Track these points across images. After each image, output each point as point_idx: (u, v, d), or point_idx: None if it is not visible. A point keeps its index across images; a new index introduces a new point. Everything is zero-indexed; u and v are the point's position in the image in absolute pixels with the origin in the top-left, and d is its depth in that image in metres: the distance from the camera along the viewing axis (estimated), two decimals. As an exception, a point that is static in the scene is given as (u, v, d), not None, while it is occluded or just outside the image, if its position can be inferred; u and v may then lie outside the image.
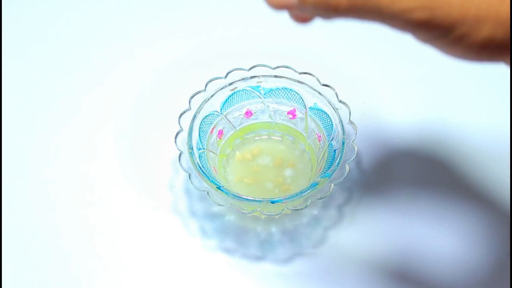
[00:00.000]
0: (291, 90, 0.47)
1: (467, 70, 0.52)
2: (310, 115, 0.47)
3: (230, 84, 0.46)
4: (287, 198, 0.41)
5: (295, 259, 0.45)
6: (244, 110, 0.48)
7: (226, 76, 0.46)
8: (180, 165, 0.43)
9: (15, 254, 0.45)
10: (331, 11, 0.26)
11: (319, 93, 0.45)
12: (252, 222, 0.47)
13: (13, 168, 0.50)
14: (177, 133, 0.44)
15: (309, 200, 0.42)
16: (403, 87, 0.54)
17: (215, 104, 0.46)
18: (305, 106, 0.47)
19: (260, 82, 0.47)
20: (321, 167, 0.45)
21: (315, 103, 0.46)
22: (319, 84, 0.45)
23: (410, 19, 0.25)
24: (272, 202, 0.41)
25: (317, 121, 0.46)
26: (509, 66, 0.28)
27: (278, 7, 0.27)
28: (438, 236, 0.46)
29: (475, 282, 0.44)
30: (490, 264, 0.45)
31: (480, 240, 0.45)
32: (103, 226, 0.47)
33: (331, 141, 0.45)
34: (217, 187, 0.41)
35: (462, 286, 0.44)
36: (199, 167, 0.42)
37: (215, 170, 0.46)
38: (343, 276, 0.44)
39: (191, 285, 0.44)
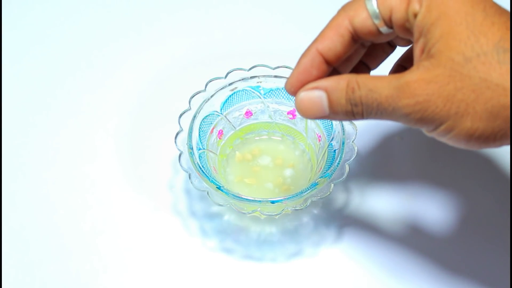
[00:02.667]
0: (291, 90, 0.47)
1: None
2: (310, 115, 0.47)
3: (230, 84, 0.46)
4: (287, 198, 0.41)
5: (295, 259, 0.45)
6: (244, 110, 0.48)
7: (226, 76, 0.46)
8: (180, 165, 0.43)
9: (15, 254, 0.45)
10: (353, 119, 0.34)
11: (319, 93, 0.45)
12: (252, 222, 0.47)
13: (13, 168, 0.50)
14: (177, 133, 0.44)
15: (309, 200, 0.42)
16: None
17: (215, 104, 0.46)
18: (305, 106, 0.47)
19: (260, 82, 0.47)
20: (321, 167, 0.45)
21: (315, 103, 0.46)
22: (319, 84, 0.45)
23: (408, 120, 0.32)
24: (272, 202, 0.41)
25: (317, 121, 0.46)
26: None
27: (312, 118, 0.34)
28: (439, 235, 0.46)
29: (477, 279, 0.44)
30: (491, 262, 0.45)
31: (481, 238, 0.46)
32: (103, 226, 0.47)
33: (331, 141, 0.45)
34: (217, 187, 0.41)
35: (467, 284, 0.44)
36: (199, 167, 0.42)
37: (215, 170, 0.46)
38: (343, 276, 0.44)
39: (191, 285, 0.44)
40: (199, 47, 0.57)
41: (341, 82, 0.33)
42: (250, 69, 0.46)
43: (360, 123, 0.46)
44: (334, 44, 0.34)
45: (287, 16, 0.59)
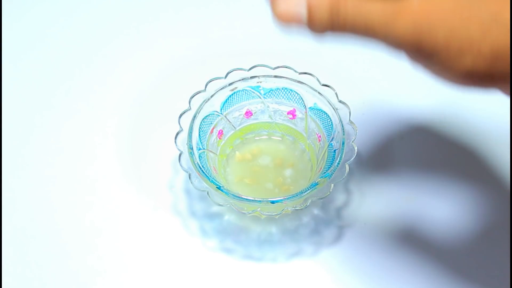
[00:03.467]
0: (291, 90, 0.47)
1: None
2: (310, 115, 0.47)
3: (230, 84, 0.46)
4: (287, 198, 0.41)
5: (295, 259, 0.45)
6: (244, 110, 0.48)
7: (226, 76, 0.46)
8: (180, 165, 0.43)
9: (15, 254, 0.45)
10: (335, 30, 0.30)
11: (319, 93, 0.45)
12: (252, 222, 0.47)
13: (13, 169, 0.50)
14: (177, 133, 0.44)
15: (309, 200, 0.42)
16: (403, 87, 0.54)
17: (215, 104, 0.46)
18: (305, 106, 0.47)
19: (260, 82, 0.47)
20: (321, 167, 0.45)
21: (315, 103, 0.46)
22: (319, 84, 0.45)
23: (398, 45, 0.28)
24: (272, 202, 0.41)
25: (317, 121, 0.46)
26: (504, 93, 0.30)
27: (286, 20, 0.31)
28: (438, 235, 0.46)
29: (477, 279, 0.44)
30: (491, 262, 0.45)
31: (482, 238, 0.46)
32: (103, 226, 0.47)
33: (331, 141, 0.45)
34: (217, 187, 0.41)
35: (467, 284, 0.44)
36: (199, 167, 0.42)
37: (215, 170, 0.46)
38: (343, 276, 0.44)
39: (191, 285, 0.44)
40: (199, 47, 0.57)
41: None
42: (250, 69, 0.46)
43: (360, 124, 0.47)
44: None
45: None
